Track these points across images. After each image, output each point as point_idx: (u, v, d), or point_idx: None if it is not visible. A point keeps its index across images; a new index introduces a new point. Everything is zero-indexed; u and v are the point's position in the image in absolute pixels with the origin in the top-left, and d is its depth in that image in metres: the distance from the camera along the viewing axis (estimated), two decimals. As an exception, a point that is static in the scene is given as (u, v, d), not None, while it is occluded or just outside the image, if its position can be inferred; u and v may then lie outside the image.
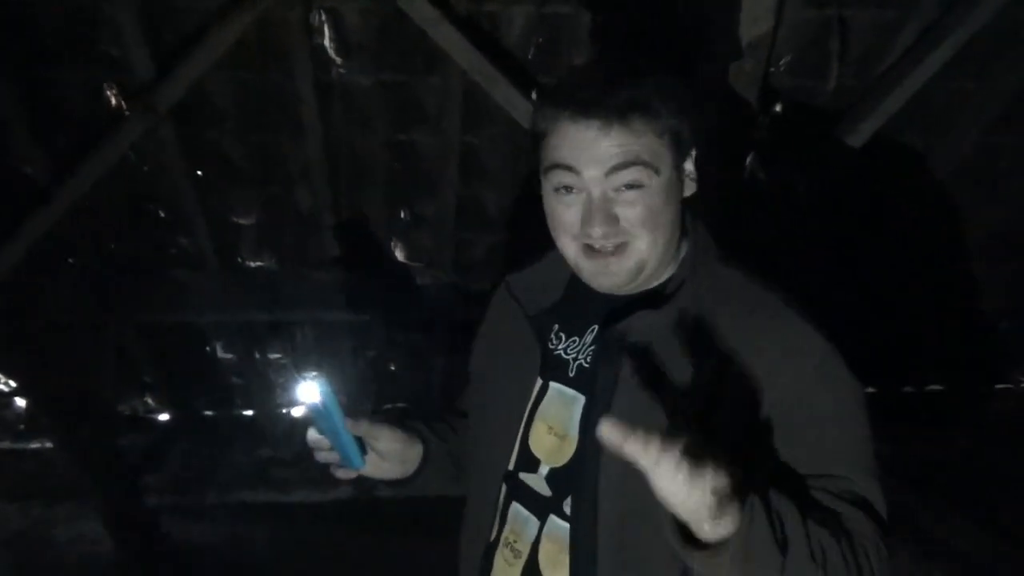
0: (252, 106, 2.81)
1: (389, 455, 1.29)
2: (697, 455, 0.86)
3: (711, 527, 0.89)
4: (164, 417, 4.15)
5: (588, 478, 1.11)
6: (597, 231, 1.12)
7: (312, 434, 1.25)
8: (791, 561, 0.93)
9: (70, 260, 2.99)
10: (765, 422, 1.07)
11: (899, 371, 3.86)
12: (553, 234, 1.20)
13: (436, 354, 3.75)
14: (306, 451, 1.28)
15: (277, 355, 3.92)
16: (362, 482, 1.33)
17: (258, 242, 3.31)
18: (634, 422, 0.89)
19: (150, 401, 4.10)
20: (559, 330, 1.24)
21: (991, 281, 3.47)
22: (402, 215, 3.27)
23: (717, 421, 1.05)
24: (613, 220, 1.12)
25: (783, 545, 0.93)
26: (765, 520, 0.92)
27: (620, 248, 1.14)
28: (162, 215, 3.17)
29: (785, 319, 1.13)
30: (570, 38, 2.66)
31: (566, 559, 1.13)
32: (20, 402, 3.99)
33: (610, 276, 1.16)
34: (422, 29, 2.43)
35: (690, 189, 1.19)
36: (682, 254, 1.21)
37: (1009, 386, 4.13)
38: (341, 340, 3.71)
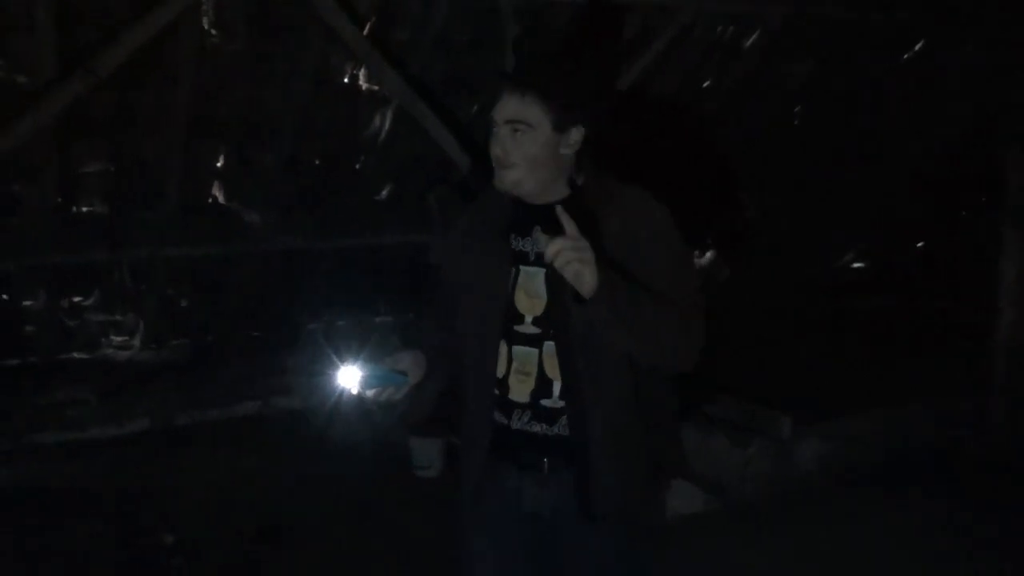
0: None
1: (408, 366, 1.82)
2: (578, 248, 1.51)
3: (588, 288, 1.53)
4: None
5: (561, 315, 1.75)
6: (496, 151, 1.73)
7: (370, 393, 1.74)
8: (637, 306, 1.61)
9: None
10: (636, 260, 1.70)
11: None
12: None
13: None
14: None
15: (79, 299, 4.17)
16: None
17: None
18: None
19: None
20: (515, 235, 1.81)
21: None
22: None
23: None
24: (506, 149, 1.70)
25: (633, 300, 1.58)
26: (618, 284, 1.57)
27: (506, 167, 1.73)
28: None
29: (644, 199, 1.78)
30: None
31: (557, 363, 1.77)
32: None
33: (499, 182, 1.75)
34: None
35: (572, 149, 1.72)
36: (579, 182, 1.79)
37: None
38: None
